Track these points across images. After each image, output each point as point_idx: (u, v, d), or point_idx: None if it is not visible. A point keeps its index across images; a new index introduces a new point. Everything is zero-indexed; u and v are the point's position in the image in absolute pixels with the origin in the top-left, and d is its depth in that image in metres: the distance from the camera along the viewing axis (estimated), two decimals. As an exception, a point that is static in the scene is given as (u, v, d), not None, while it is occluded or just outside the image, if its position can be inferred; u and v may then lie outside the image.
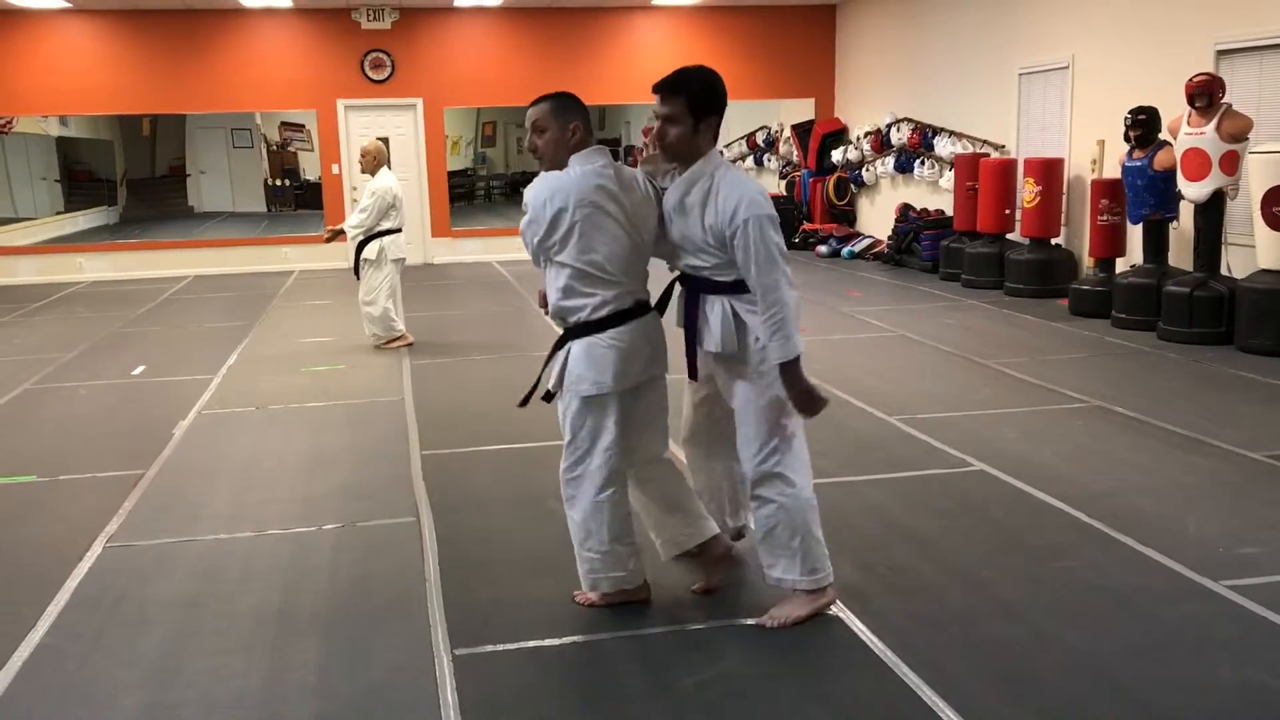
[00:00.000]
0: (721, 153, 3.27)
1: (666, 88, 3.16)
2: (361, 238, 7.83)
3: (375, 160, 7.86)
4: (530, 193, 3.19)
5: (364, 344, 8.13)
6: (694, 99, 3.13)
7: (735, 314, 3.16)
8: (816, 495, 3.29)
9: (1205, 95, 7.11)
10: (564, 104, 3.24)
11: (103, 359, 7.91)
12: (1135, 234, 8.25)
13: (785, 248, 3.10)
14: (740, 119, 14.27)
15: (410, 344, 8.05)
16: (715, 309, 3.20)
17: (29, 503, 4.71)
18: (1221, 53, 7.76)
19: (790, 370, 3.08)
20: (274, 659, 3.16)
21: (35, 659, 3.20)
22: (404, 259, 8.07)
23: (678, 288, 3.43)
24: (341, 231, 8.01)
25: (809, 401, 3.12)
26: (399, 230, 7.94)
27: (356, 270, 7.97)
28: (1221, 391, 6.07)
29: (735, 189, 3.08)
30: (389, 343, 8.05)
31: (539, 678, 3.02)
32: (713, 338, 3.21)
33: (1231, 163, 7.09)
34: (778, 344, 3.05)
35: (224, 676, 3.05)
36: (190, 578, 3.79)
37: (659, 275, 3.32)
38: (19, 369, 7.53)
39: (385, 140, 12.20)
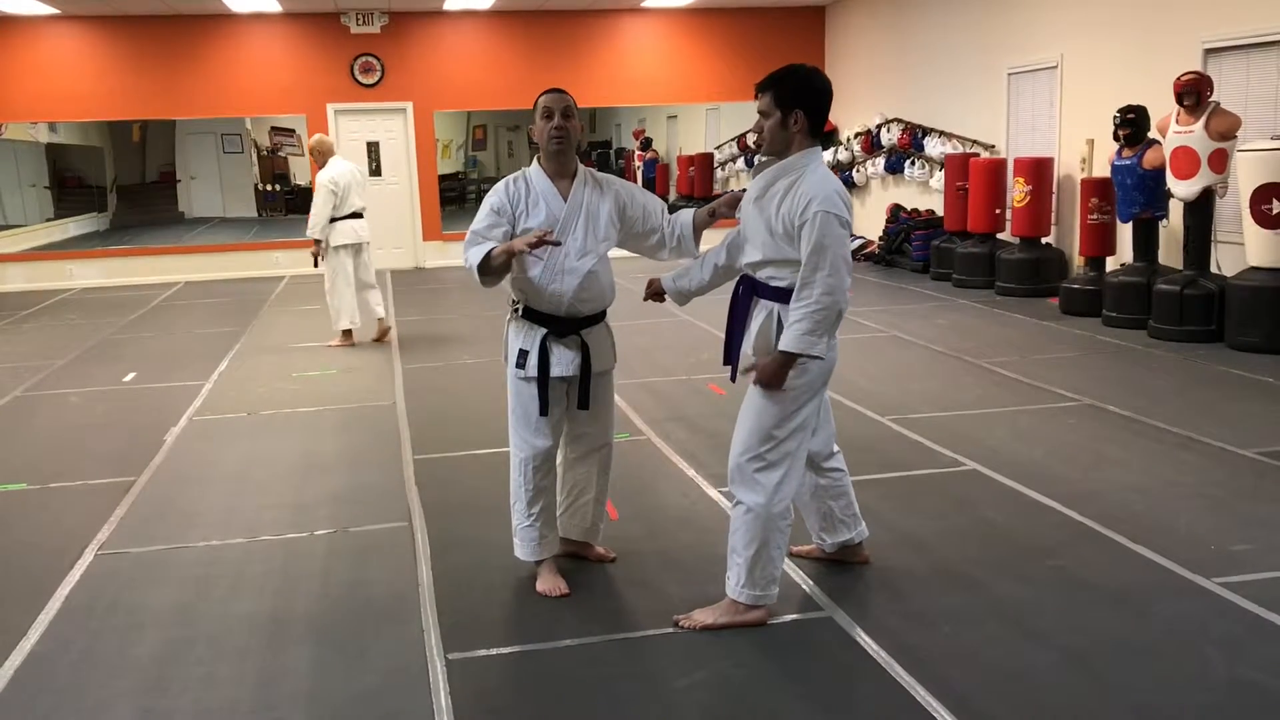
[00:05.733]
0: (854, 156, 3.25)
1: (759, 85, 3.20)
2: (322, 233, 7.95)
3: (322, 154, 8.09)
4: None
5: (356, 349, 8.13)
6: (780, 92, 3.14)
7: (780, 322, 3.14)
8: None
9: (1193, 94, 7.14)
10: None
11: (94, 366, 7.88)
12: (1125, 232, 8.27)
13: (849, 257, 3.07)
14: (730, 121, 14.28)
15: (387, 329, 8.34)
16: (761, 314, 3.20)
17: (20, 510, 4.70)
18: (1209, 51, 7.79)
19: (786, 358, 3.07)
20: (267, 665, 3.15)
21: (27, 667, 3.18)
22: (357, 243, 8.16)
23: (701, 270, 3.48)
24: (316, 241, 8.09)
25: (772, 381, 3.10)
26: (353, 216, 8.05)
27: (316, 262, 8.13)
28: (1212, 389, 6.09)
29: (818, 185, 3.06)
30: (380, 335, 8.32)
31: (532, 681, 3.02)
32: (749, 340, 3.24)
33: (1220, 161, 7.12)
34: (797, 334, 3.02)
35: (216, 683, 3.05)
36: (182, 584, 3.78)
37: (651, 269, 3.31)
38: (9, 376, 7.51)
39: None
